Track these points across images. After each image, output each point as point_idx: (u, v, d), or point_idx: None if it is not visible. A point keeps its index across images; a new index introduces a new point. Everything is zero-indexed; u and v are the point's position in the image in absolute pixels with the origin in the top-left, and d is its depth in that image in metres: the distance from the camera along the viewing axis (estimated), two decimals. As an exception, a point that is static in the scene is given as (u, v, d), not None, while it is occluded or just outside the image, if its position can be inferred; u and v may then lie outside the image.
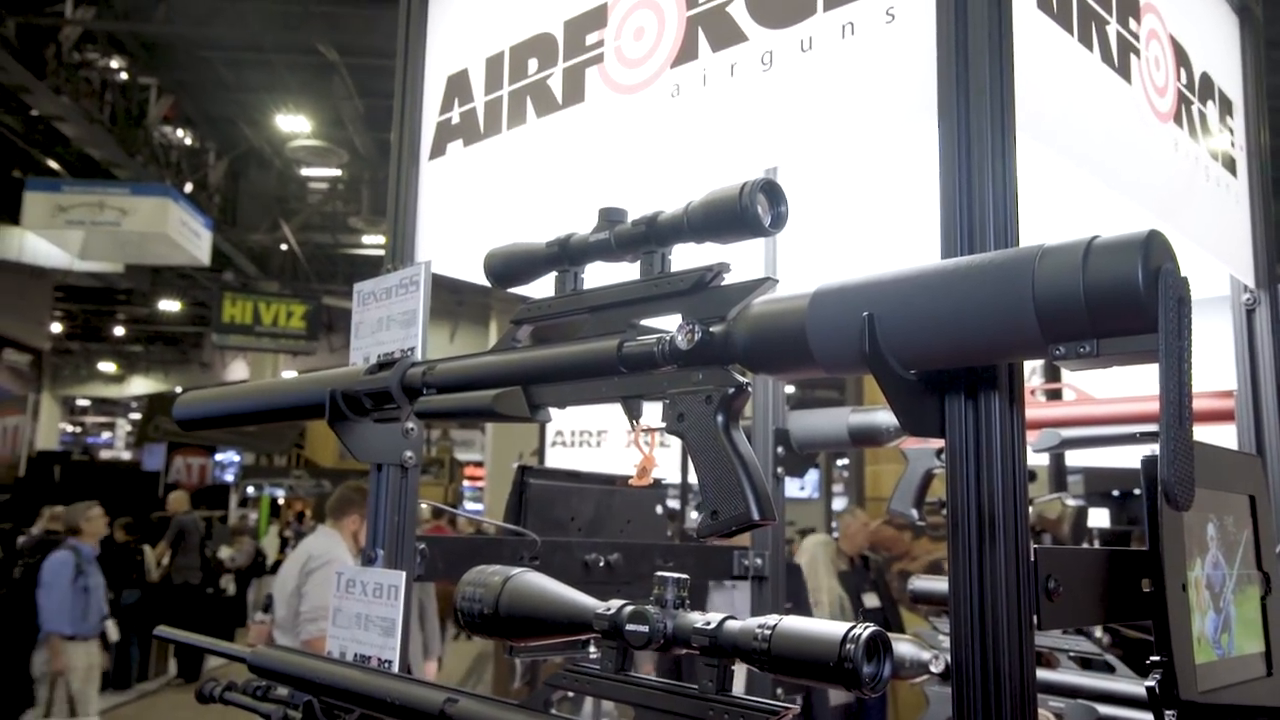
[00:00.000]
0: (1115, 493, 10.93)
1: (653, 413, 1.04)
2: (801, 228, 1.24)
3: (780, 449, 1.93)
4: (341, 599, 1.52)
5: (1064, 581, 0.92)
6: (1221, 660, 1.11)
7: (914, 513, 1.97)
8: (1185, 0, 1.62)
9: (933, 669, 1.34)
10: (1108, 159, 1.31)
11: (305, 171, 16.68)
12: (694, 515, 6.28)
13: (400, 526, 1.51)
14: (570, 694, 1.01)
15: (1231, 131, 1.75)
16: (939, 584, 1.61)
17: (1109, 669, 1.60)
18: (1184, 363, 0.71)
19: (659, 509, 1.96)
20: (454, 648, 6.21)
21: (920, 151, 1.17)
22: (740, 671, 0.90)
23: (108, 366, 27.30)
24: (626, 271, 1.07)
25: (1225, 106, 1.73)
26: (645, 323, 1.06)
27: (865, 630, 0.79)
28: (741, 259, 1.04)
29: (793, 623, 0.83)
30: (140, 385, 27.41)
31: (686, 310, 0.99)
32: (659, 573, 0.93)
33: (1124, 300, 0.73)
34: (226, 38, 12.25)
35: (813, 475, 14.02)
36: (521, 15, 1.59)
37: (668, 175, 1.36)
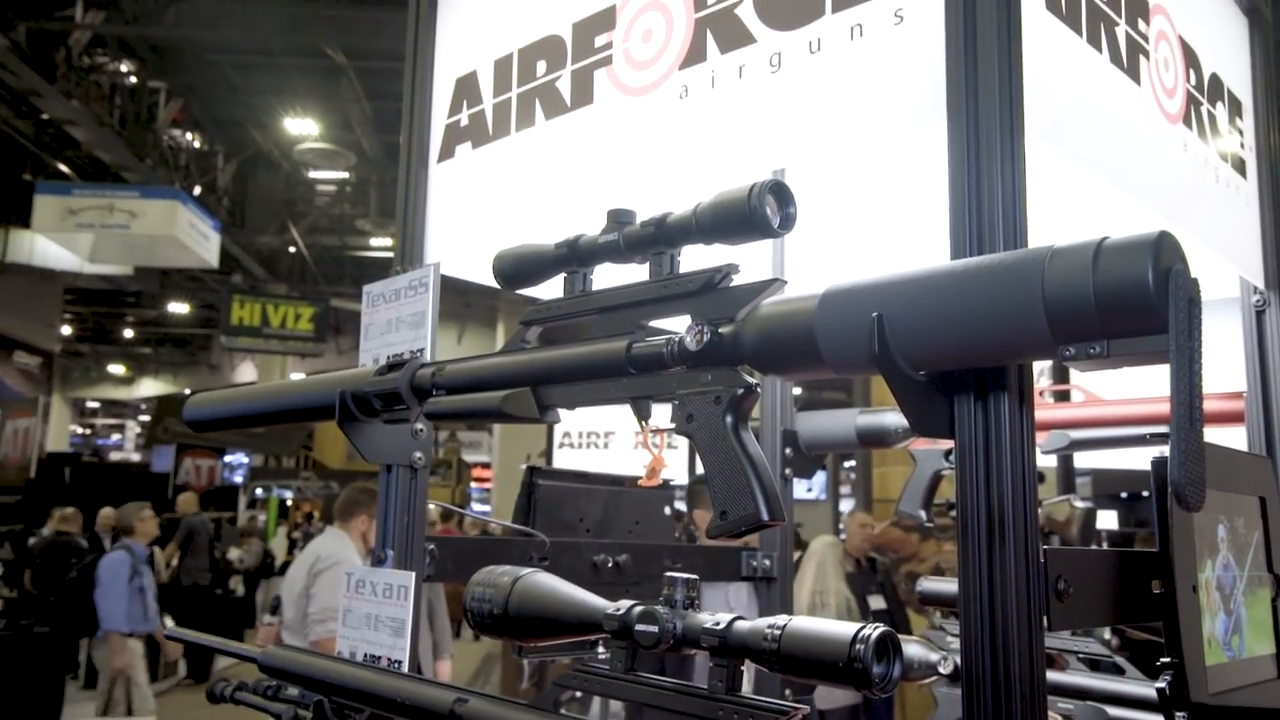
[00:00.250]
0: (1123, 494, 10.88)
1: (661, 414, 1.04)
2: (809, 229, 1.24)
3: (788, 450, 1.93)
4: (351, 599, 1.53)
5: (1074, 582, 0.92)
6: (1232, 662, 1.10)
7: (922, 514, 1.97)
8: (1194, 1, 1.61)
9: (941, 670, 1.33)
10: (1117, 160, 1.31)
11: (313, 174, 16.74)
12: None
13: (410, 527, 1.52)
14: (578, 694, 1.01)
15: (1241, 133, 1.74)
16: (948, 585, 1.61)
17: (1118, 671, 1.59)
18: (1195, 363, 0.71)
19: (667, 510, 1.96)
20: (462, 648, 6.22)
21: (928, 153, 1.17)
22: (747, 672, 0.90)
23: (117, 368, 27.42)
24: (635, 273, 1.08)
25: (1235, 108, 1.73)
26: (653, 324, 1.06)
27: (875, 630, 0.80)
28: (748, 260, 1.05)
29: (802, 623, 0.84)
30: (149, 387, 27.52)
31: (695, 311, 1.00)
32: (668, 573, 0.94)
33: (1134, 301, 0.73)
34: (235, 41, 12.30)
35: (820, 477, 14.00)
36: (530, 17, 1.60)
37: (676, 177, 1.36)
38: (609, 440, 5.97)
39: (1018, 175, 1.00)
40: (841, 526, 12.42)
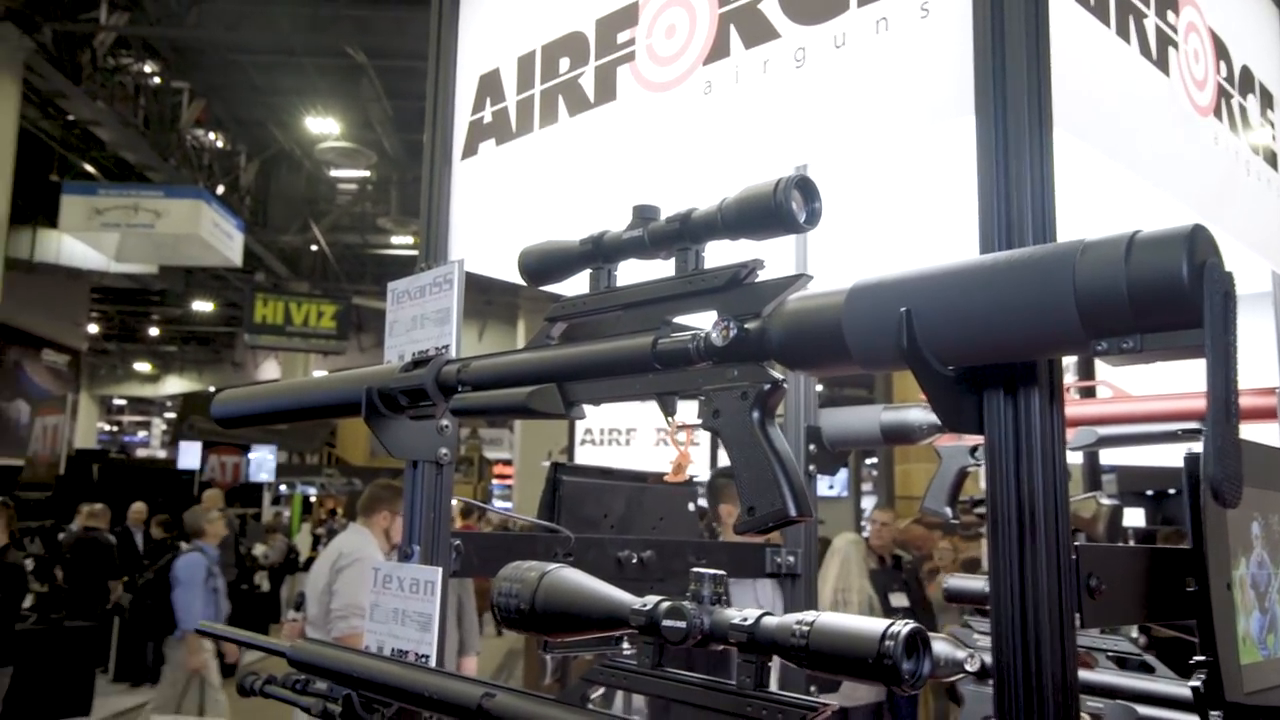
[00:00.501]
0: (1149, 492, 10.76)
1: (686, 410, 1.04)
2: (830, 224, 1.24)
3: (812, 446, 1.93)
4: (379, 594, 1.54)
5: (1106, 579, 0.91)
6: (1267, 660, 1.09)
7: (947, 511, 1.96)
8: (1225, -9, 1.59)
9: (968, 667, 1.33)
10: (1146, 153, 1.29)
11: (334, 173, 16.85)
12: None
13: (436, 523, 1.52)
14: (600, 690, 1.01)
15: (1273, 125, 1.72)
16: (974, 582, 1.60)
17: (1148, 669, 1.58)
18: (1231, 358, 0.70)
19: (691, 506, 1.96)
20: (484, 644, 6.25)
21: (951, 147, 1.16)
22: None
23: (143, 366, 27.75)
24: (660, 269, 1.08)
25: (1266, 100, 1.70)
26: (677, 320, 1.06)
27: (905, 627, 0.79)
28: (768, 257, 1.04)
29: (831, 619, 0.83)
30: (174, 385, 27.83)
31: (721, 307, 0.99)
32: (695, 569, 0.93)
33: (1169, 295, 0.72)
34: (256, 41, 12.41)
35: (841, 474, 13.95)
36: (553, 14, 1.60)
37: (699, 172, 1.36)
38: (630, 437, 5.96)
39: (1047, 169, 0.99)
40: (864, 523, 12.38)
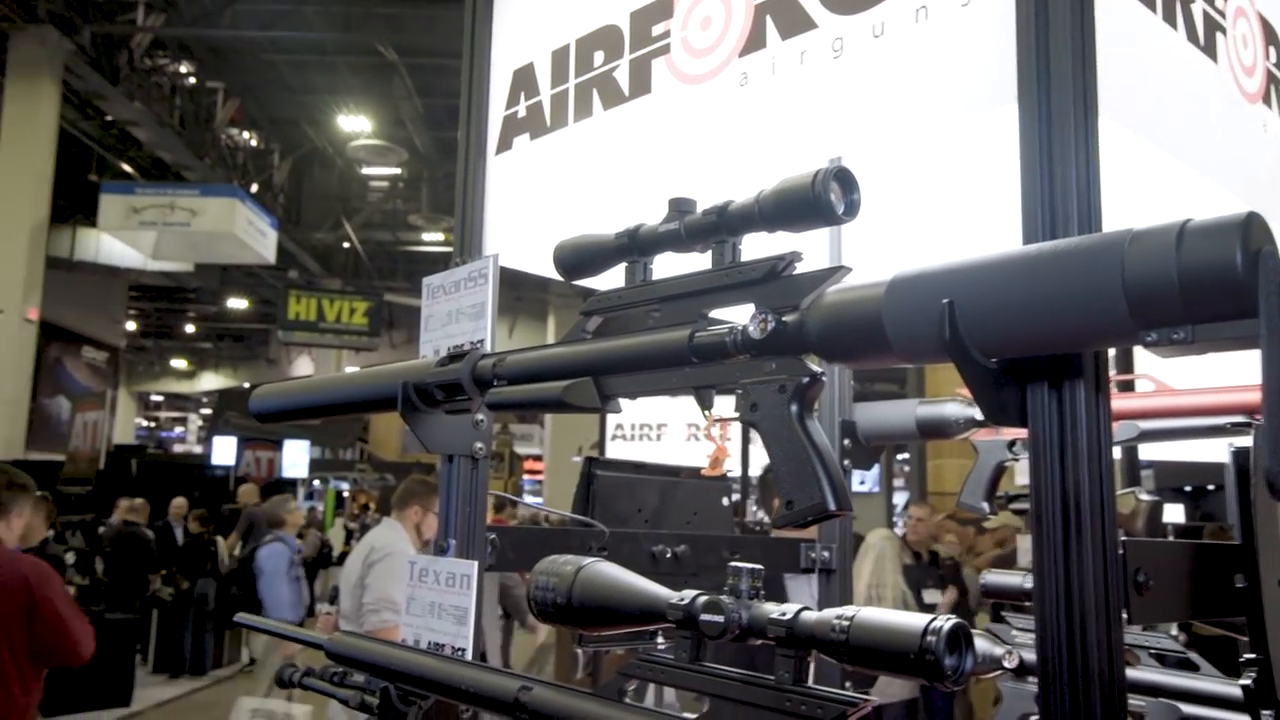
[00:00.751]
0: (1187, 488, 10.57)
1: (723, 404, 1.04)
2: (865, 216, 1.22)
3: (847, 441, 1.91)
4: (415, 588, 1.55)
5: (1153, 575, 0.90)
6: (1320, 659, 1.06)
7: (984, 506, 1.93)
8: (1273, -25, 1.55)
9: (1005, 664, 1.31)
10: (1193, 141, 1.27)
11: (366, 170, 17.00)
12: (753, 509, 6.25)
13: (471, 517, 1.53)
14: (635, 684, 1.01)
15: (1322, 111, 1.68)
16: (1012, 578, 1.58)
17: (1190, 667, 1.55)
18: (1287, 347, 0.69)
19: (725, 501, 1.95)
20: (514, 639, 6.28)
21: (991, 136, 1.14)
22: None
23: (179, 363, 28.19)
24: (696, 263, 1.07)
25: (1315, 85, 1.66)
26: (713, 314, 1.05)
27: (947, 622, 0.78)
28: (802, 250, 1.03)
29: (872, 614, 0.82)
30: (210, 381, 28.24)
31: (758, 300, 0.98)
32: (733, 563, 0.93)
33: (1222, 284, 0.70)
34: (289, 41, 12.54)
35: (873, 469, 13.86)
36: (587, 8, 1.59)
37: (735, 165, 1.35)
38: (661, 432, 5.96)
39: (1092, 158, 0.97)
40: (895, 519, 12.29)
